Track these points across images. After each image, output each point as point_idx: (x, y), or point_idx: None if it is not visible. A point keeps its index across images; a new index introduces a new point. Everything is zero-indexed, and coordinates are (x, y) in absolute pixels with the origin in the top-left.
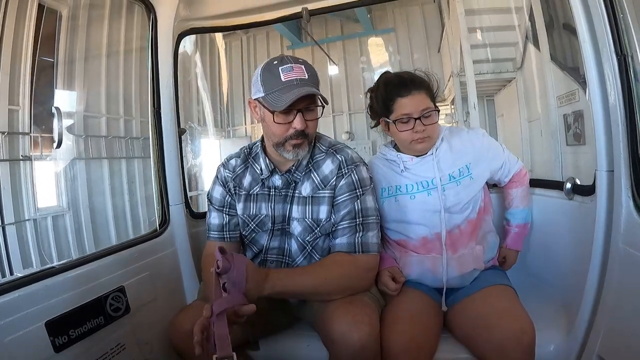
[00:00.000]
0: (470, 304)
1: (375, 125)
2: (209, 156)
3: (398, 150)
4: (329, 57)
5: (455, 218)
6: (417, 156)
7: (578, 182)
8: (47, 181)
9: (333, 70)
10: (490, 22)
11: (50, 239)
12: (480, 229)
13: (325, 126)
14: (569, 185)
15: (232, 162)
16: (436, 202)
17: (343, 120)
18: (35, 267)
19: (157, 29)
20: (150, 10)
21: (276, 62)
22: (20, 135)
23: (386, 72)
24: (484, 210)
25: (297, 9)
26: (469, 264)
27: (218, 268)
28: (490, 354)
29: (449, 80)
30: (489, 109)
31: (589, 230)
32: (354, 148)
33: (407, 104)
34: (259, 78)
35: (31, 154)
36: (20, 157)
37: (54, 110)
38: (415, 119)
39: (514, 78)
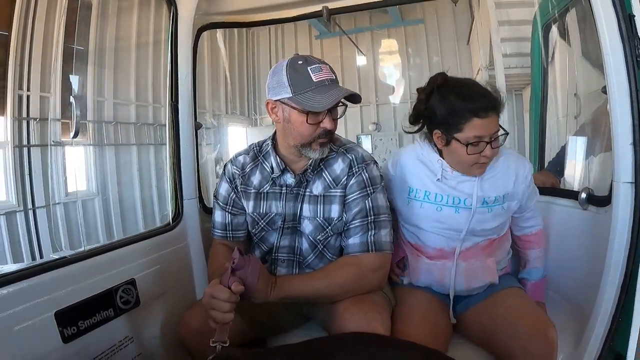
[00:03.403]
0: (486, 307)
1: (418, 131)
2: (237, 144)
3: (440, 154)
4: (357, 47)
5: (477, 239)
6: None
7: (593, 192)
8: (77, 166)
9: (361, 60)
10: (521, 16)
11: (80, 222)
12: (497, 245)
13: (353, 117)
14: (583, 195)
15: (241, 159)
16: (462, 222)
17: (370, 111)
18: (65, 249)
19: (178, 23)
20: (171, 3)
21: (301, 62)
22: (51, 122)
23: (443, 75)
24: (507, 230)
25: (317, 7)
26: (478, 278)
27: (234, 263)
28: (514, 350)
29: (477, 73)
30: (517, 103)
31: (603, 241)
32: (381, 139)
33: (483, 126)
34: (286, 78)
35: (62, 139)
36: (52, 143)
37: (71, 99)
38: (487, 142)
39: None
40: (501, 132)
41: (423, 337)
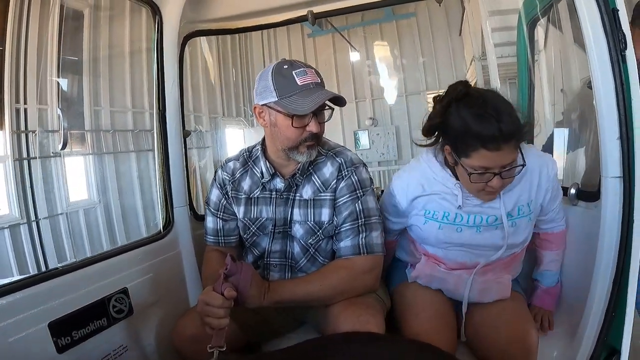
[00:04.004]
0: (478, 309)
1: (432, 144)
2: (234, 145)
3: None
4: (350, 44)
5: (500, 255)
6: None
7: (582, 187)
8: (77, 176)
9: (355, 56)
10: (510, 5)
11: (83, 231)
12: (519, 258)
13: (349, 113)
14: (573, 191)
15: (231, 164)
16: (483, 241)
17: (366, 107)
18: (69, 260)
19: (163, 31)
20: (156, 12)
21: (286, 66)
22: (50, 133)
23: (464, 86)
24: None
25: (302, 12)
26: (491, 293)
27: (226, 270)
28: (494, 353)
29: (470, 64)
30: (512, 91)
31: (593, 236)
32: (378, 134)
33: (491, 159)
34: (271, 82)
35: (60, 150)
36: (51, 154)
37: (58, 111)
38: (495, 173)
39: (536, 60)
40: (519, 161)
41: (434, 328)
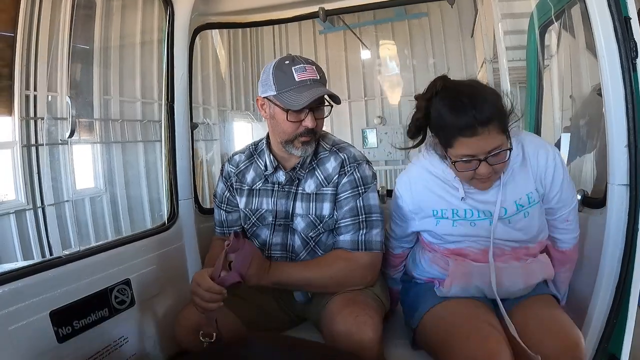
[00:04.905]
0: (518, 317)
1: (416, 145)
2: (242, 139)
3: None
4: (361, 41)
5: (522, 243)
6: None
7: (588, 194)
8: (84, 164)
9: (366, 54)
10: (524, 8)
11: (88, 219)
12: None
13: (358, 111)
14: (578, 197)
15: (237, 157)
16: (500, 233)
17: (375, 105)
18: (74, 247)
19: (174, 23)
20: (167, 3)
21: (288, 61)
22: (59, 120)
23: (443, 80)
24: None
25: (314, 8)
26: (537, 274)
27: (228, 245)
28: None
29: (481, 66)
30: (522, 95)
31: (598, 243)
32: (386, 133)
33: (471, 145)
34: (271, 77)
35: (68, 138)
36: (59, 141)
37: (67, 100)
38: (481, 160)
39: (548, 65)
40: (508, 145)
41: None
